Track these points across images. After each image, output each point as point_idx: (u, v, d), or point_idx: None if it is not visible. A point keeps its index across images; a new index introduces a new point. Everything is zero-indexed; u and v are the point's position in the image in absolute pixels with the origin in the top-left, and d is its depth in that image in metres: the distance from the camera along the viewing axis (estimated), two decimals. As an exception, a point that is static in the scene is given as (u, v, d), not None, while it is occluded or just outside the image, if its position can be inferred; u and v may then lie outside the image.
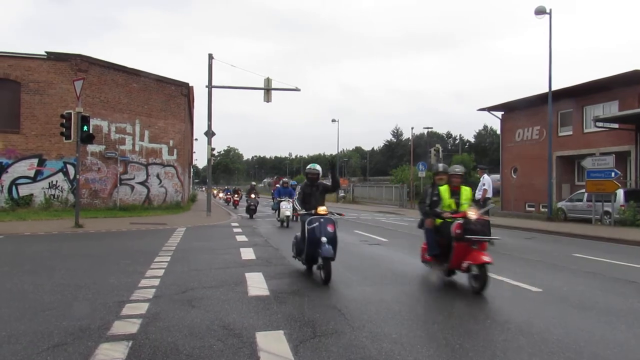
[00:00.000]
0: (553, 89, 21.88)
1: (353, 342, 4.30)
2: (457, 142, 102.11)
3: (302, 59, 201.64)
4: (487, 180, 13.63)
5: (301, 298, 6.00)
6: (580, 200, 20.90)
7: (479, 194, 13.45)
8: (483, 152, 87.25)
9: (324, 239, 7.00)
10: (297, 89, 25.47)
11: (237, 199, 34.85)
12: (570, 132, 26.53)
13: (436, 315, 5.41)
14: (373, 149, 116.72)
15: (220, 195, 55.35)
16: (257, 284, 6.71)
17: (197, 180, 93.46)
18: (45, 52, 22.26)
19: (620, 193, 18.67)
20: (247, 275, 7.38)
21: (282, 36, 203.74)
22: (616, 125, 22.82)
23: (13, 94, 21.62)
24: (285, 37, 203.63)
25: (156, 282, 6.83)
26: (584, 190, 20.45)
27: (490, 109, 31.36)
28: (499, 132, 35.32)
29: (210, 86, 24.38)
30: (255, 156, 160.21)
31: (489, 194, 13.69)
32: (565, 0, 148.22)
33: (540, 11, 20.78)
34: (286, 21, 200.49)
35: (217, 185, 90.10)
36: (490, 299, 6.17)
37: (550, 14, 20.84)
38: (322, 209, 7.37)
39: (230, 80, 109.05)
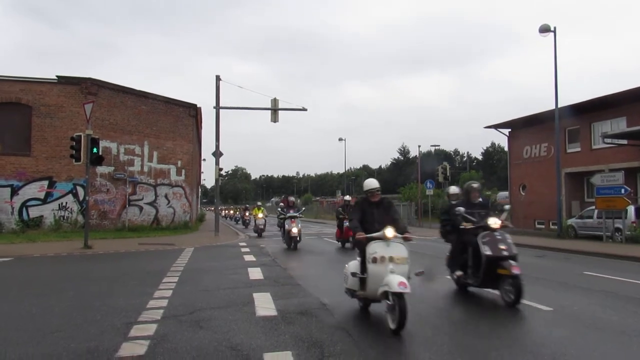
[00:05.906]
0: (560, 105, 21.86)
1: (361, 363, 4.26)
2: (464, 159, 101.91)
3: (306, 80, 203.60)
4: None
5: (309, 318, 5.96)
6: (591, 217, 20.69)
7: None
8: (491, 169, 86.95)
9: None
10: (303, 109, 25.71)
11: None
12: (579, 149, 26.38)
13: (444, 335, 5.35)
14: (380, 166, 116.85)
15: (260, 216, 24.70)
16: (264, 304, 6.69)
17: (205, 200, 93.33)
18: (57, 76, 22.69)
19: (631, 209, 18.49)
20: (254, 295, 7.36)
21: (286, 58, 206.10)
22: (625, 141, 22.67)
23: (24, 118, 22.01)
24: (289, 59, 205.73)
25: (164, 303, 6.83)
26: (594, 207, 20.27)
27: (497, 127, 31.31)
28: (506, 149, 35.24)
29: (217, 107, 24.61)
30: (263, 176, 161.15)
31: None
32: (572, 15, 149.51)
33: (544, 29, 20.85)
34: (290, 43, 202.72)
35: (225, 204, 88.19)
36: (500, 318, 6.11)
37: (554, 32, 20.93)
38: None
39: (236, 100, 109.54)
